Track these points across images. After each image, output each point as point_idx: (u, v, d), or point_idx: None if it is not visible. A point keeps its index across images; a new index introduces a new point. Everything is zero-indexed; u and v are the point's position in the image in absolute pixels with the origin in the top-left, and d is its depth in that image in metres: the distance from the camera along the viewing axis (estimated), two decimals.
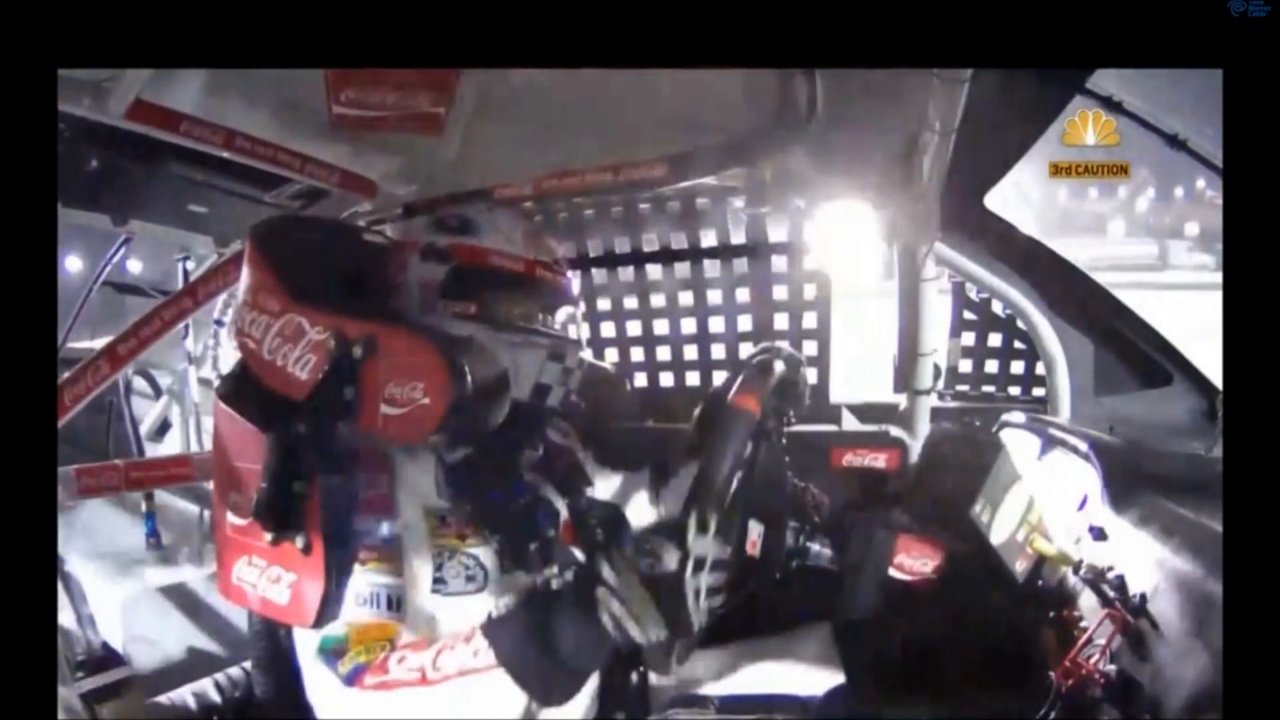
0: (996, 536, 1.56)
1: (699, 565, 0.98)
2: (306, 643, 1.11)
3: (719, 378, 2.40)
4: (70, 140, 1.33)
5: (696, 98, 1.46)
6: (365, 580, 1.11)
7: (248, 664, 1.60)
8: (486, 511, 1.23)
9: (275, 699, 1.37)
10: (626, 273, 2.39)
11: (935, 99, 1.32)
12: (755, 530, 1.33)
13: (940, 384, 2.12)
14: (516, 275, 1.29)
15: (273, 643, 1.34)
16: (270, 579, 1.13)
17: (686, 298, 2.40)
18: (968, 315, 2.19)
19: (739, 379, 1.17)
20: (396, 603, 1.11)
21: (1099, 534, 1.19)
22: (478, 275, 1.28)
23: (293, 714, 1.25)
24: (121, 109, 1.26)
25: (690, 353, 2.46)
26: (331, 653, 1.07)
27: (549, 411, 1.36)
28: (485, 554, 1.21)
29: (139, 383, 2.80)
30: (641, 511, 1.60)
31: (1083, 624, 1.10)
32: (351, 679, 1.05)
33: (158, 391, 2.86)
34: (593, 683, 1.30)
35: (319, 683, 1.09)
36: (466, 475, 1.24)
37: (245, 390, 1.23)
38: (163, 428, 2.81)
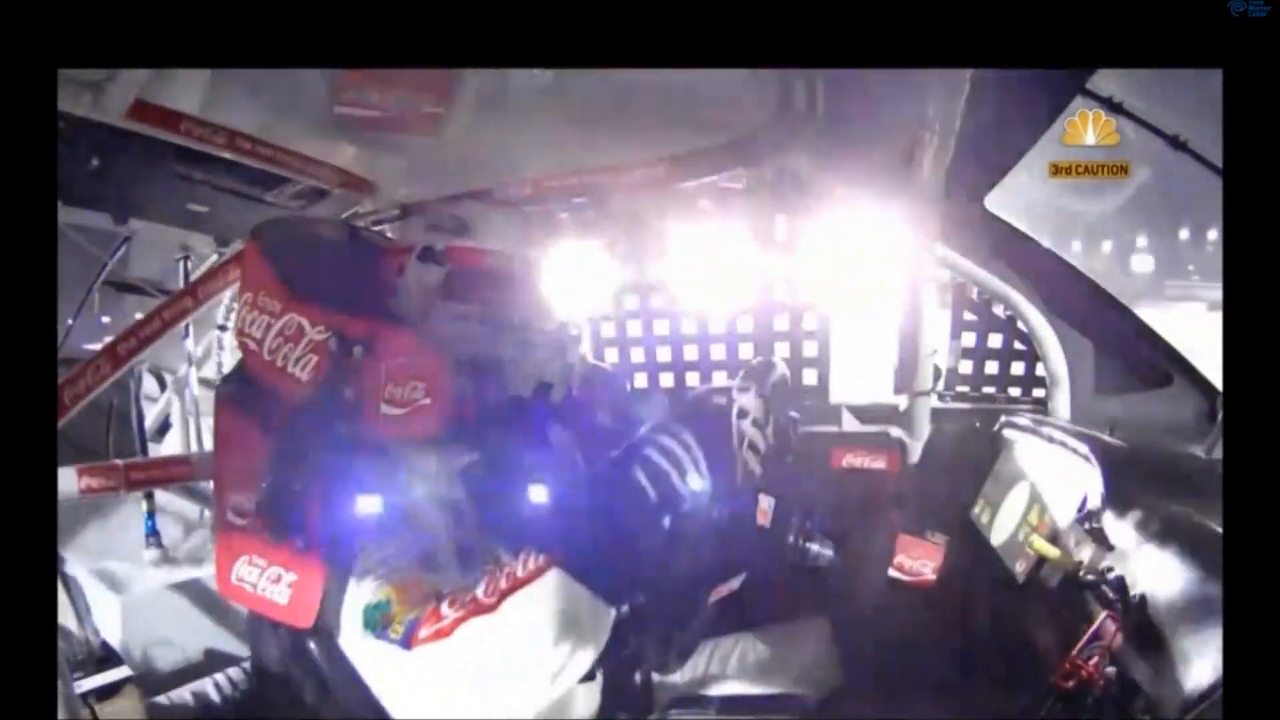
0: (996, 537, 1.57)
1: (742, 414, 1.18)
2: (350, 626, 1.09)
3: (719, 379, 2.41)
4: (70, 140, 1.33)
5: (697, 98, 1.46)
6: (390, 548, 1.10)
7: (248, 664, 1.60)
8: (496, 511, 1.24)
9: (275, 699, 1.37)
10: (627, 274, 2.39)
11: (935, 99, 1.32)
12: (765, 502, 1.34)
13: (940, 385, 2.12)
14: (512, 275, 1.30)
15: (273, 642, 1.34)
16: (270, 579, 1.13)
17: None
18: (968, 317, 2.19)
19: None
20: (428, 560, 1.11)
21: (1099, 535, 1.19)
22: (475, 276, 1.28)
23: (293, 714, 1.25)
24: (121, 109, 1.26)
25: (690, 353, 2.46)
26: (379, 623, 1.06)
27: (552, 409, 1.36)
28: (501, 549, 1.21)
29: (148, 380, 2.79)
30: None
31: (1082, 625, 1.10)
32: (408, 640, 1.03)
33: (163, 390, 2.87)
34: (595, 683, 1.30)
35: (375, 659, 1.07)
36: (476, 477, 1.24)
37: (245, 390, 1.23)
38: (163, 428, 2.81)
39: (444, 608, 1.04)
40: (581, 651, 1.06)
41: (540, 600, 1.03)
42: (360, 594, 1.08)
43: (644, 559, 1.09)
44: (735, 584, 1.35)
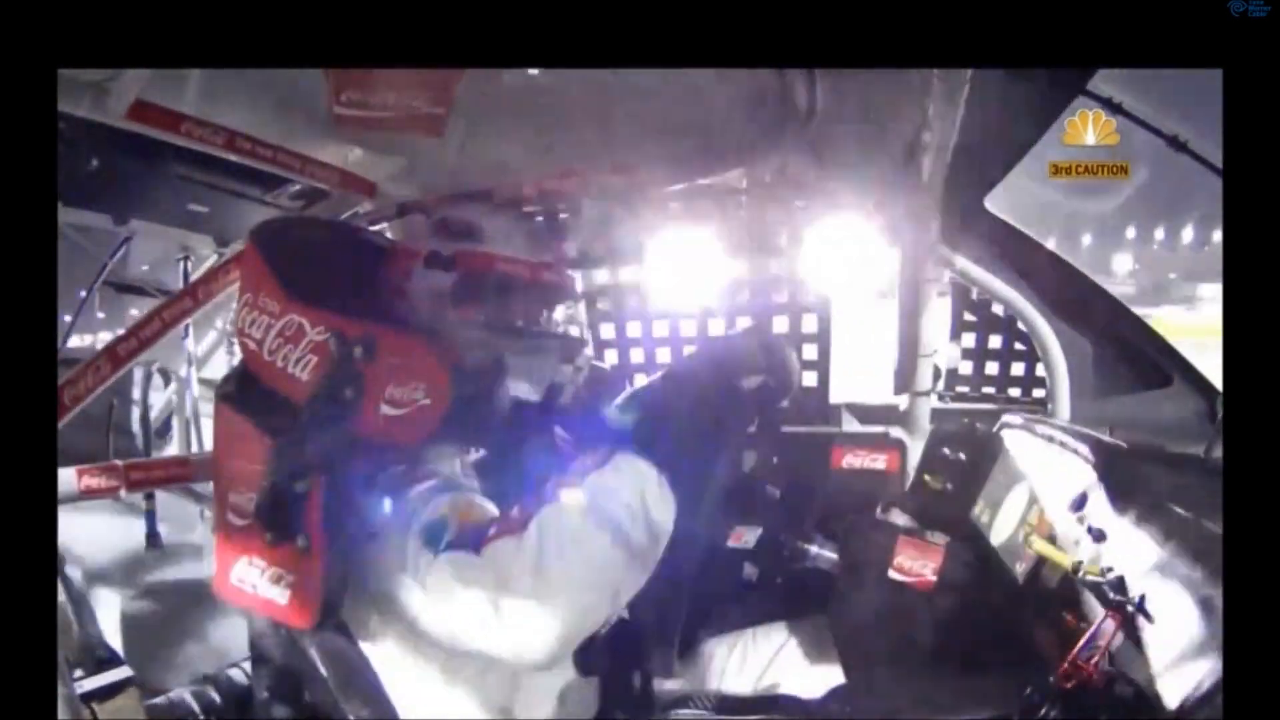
0: (996, 537, 1.57)
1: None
2: (397, 564, 1.06)
3: None
4: (70, 140, 1.33)
5: (697, 98, 1.46)
6: (426, 487, 1.10)
7: (248, 664, 1.60)
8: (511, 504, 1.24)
9: (275, 698, 1.37)
10: (627, 274, 2.40)
11: (935, 99, 1.32)
12: (774, 490, 1.36)
13: (940, 385, 2.12)
14: (523, 280, 1.30)
15: (274, 642, 1.34)
16: (270, 579, 1.13)
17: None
18: (968, 317, 2.19)
19: None
20: (475, 489, 1.12)
21: (1098, 535, 1.19)
22: (485, 282, 1.28)
23: (293, 714, 1.25)
24: (121, 109, 1.26)
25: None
26: (441, 536, 1.03)
27: (560, 411, 1.37)
28: None
29: (158, 381, 2.80)
30: None
31: (1082, 625, 1.10)
32: (478, 542, 1.01)
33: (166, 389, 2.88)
34: (593, 682, 1.30)
35: (448, 573, 1.02)
36: (487, 473, 1.25)
37: (246, 391, 1.23)
38: (163, 428, 2.82)
39: (514, 511, 1.03)
40: (657, 524, 1.04)
41: (611, 478, 1.04)
42: (412, 528, 1.06)
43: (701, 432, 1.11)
44: (751, 540, 1.35)
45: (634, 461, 1.06)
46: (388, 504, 1.10)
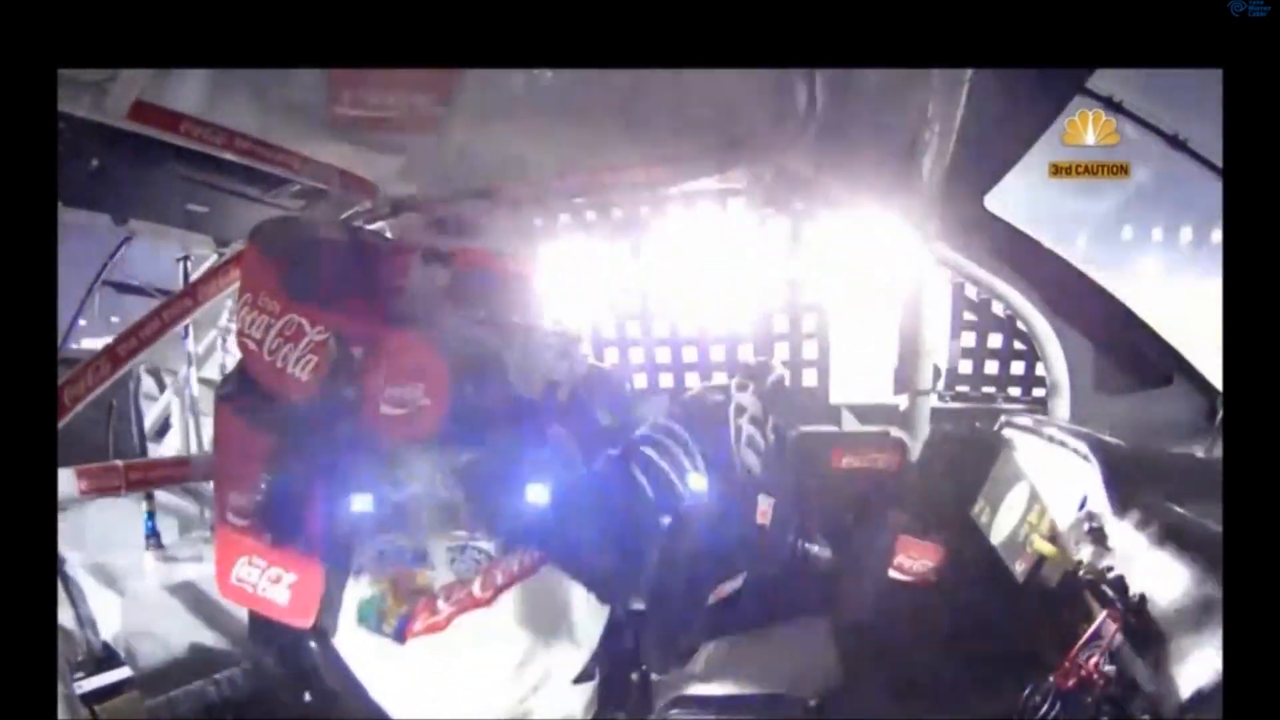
0: (996, 537, 1.57)
1: (740, 411, 1.24)
2: (345, 622, 1.10)
3: (718, 379, 2.41)
4: (70, 140, 1.33)
5: (697, 98, 1.46)
6: (384, 544, 1.11)
7: (247, 664, 1.60)
8: (494, 509, 1.24)
9: (275, 699, 1.37)
10: (627, 273, 2.39)
11: (935, 99, 1.32)
12: (765, 502, 1.36)
13: (940, 385, 2.12)
14: (520, 277, 1.31)
15: (273, 642, 1.34)
16: (270, 579, 1.14)
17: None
18: (968, 316, 2.19)
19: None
20: (422, 556, 1.12)
21: (1099, 535, 1.19)
22: (481, 278, 1.29)
23: (293, 714, 1.25)
24: (121, 109, 1.26)
25: (690, 354, 2.46)
26: (372, 617, 1.07)
27: (556, 409, 1.37)
28: (493, 547, 1.22)
29: (147, 382, 2.80)
30: None
31: (1082, 625, 1.10)
32: (401, 633, 1.05)
33: (163, 390, 2.87)
34: (593, 683, 1.30)
35: (368, 654, 1.08)
36: (476, 475, 1.25)
37: (246, 391, 1.23)
38: (163, 428, 2.81)
39: (439, 603, 1.05)
40: (575, 649, 1.07)
41: (535, 596, 1.05)
42: (355, 589, 1.08)
43: (642, 557, 1.11)
44: (736, 584, 1.35)
45: (561, 580, 1.11)
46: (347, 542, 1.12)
